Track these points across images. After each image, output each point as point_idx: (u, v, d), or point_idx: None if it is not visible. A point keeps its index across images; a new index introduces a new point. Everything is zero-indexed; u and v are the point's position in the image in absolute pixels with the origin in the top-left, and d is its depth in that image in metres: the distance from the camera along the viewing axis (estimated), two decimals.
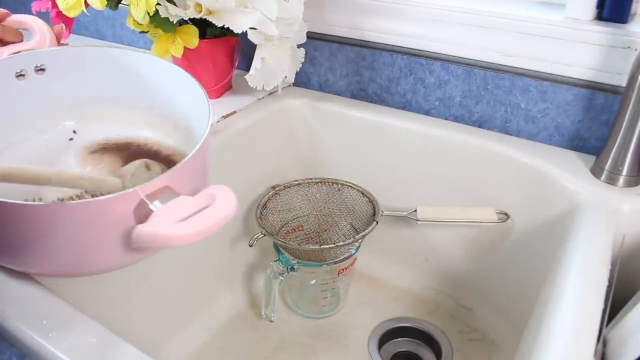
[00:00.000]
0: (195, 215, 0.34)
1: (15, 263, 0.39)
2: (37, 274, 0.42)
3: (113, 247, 0.37)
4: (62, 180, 0.38)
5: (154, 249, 0.34)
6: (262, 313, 0.65)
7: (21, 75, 0.43)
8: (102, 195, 0.37)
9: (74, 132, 0.48)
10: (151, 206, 0.35)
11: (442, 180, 0.67)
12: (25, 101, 0.45)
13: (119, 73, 0.47)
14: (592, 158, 0.58)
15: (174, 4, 0.59)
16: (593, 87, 0.59)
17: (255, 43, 0.64)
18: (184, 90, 0.46)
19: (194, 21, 0.64)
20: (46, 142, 0.47)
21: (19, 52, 0.44)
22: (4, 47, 0.45)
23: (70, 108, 0.48)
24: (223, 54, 0.70)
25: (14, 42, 0.46)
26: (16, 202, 0.32)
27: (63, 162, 0.47)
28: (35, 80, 0.44)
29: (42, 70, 0.45)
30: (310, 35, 0.72)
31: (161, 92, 0.48)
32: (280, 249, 0.63)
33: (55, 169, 0.37)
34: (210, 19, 0.60)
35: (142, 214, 0.35)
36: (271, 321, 0.64)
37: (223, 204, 0.35)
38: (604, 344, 0.40)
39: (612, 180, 0.55)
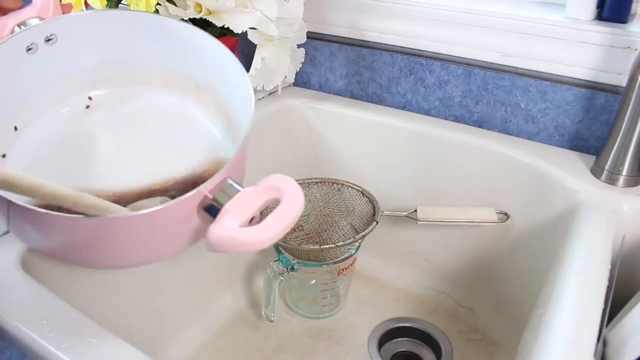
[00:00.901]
0: (271, 217, 0.33)
1: (82, 262, 0.39)
2: (102, 268, 0.42)
3: (179, 241, 0.37)
4: (79, 205, 0.36)
5: (231, 252, 0.34)
6: (262, 313, 0.65)
7: (31, 49, 0.41)
8: None
9: (90, 98, 0.47)
10: (217, 203, 0.34)
11: (442, 180, 0.67)
12: (38, 74, 0.43)
13: (129, 35, 0.46)
14: (592, 158, 0.58)
15: (174, 4, 0.59)
16: (593, 87, 0.59)
17: (255, 43, 0.64)
18: (208, 53, 0.44)
19: (194, 21, 0.63)
20: (63, 114, 0.45)
21: (24, 21, 0.42)
22: (6, 17, 0.42)
23: (82, 75, 0.46)
24: None
25: (13, 9, 0.43)
26: (97, 217, 0.32)
27: (89, 141, 0.45)
28: (45, 52, 0.42)
29: (52, 40, 0.42)
30: (310, 35, 0.72)
31: (179, 53, 0.46)
32: (280, 249, 0.63)
33: (78, 193, 0.36)
34: (210, 19, 0.60)
35: (210, 211, 0.35)
36: (271, 321, 0.64)
37: (294, 199, 0.34)
38: (604, 344, 0.40)
39: (612, 180, 0.55)
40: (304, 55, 0.71)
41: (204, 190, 0.34)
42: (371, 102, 0.74)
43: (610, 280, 0.42)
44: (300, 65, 0.72)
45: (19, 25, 0.42)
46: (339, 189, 0.68)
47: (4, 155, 0.41)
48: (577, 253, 0.45)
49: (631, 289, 0.48)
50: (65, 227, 0.34)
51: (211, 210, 0.35)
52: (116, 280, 0.53)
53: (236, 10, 0.59)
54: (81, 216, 0.33)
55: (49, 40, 0.42)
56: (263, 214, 0.55)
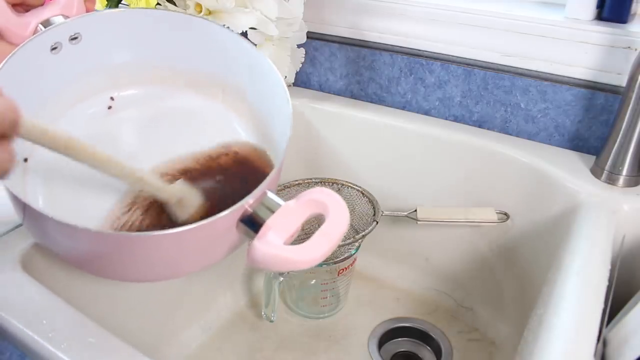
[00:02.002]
0: (317, 235, 0.32)
1: (101, 274, 0.39)
2: (122, 280, 0.41)
3: (212, 255, 0.37)
4: (123, 175, 0.36)
5: (273, 270, 0.33)
6: (262, 313, 0.65)
7: (55, 48, 0.40)
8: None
9: (112, 98, 0.46)
10: (258, 217, 0.34)
11: (442, 180, 0.67)
12: (60, 73, 0.42)
13: (154, 34, 0.44)
14: (592, 158, 0.58)
15: (174, 4, 0.59)
16: (593, 87, 0.59)
17: (255, 43, 0.64)
18: (236, 54, 0.44)
19: None
20: (85, 114, 0.44)
21: (48, 19, 0.41)
22: (29, 14, 0.41)
23: (105, 74, 0.45)
24: None
25: (36, 5, 0.41)
26: (140, 234, 0.32)
27: (112, 142, 0.44)
28: (69, 51, 0.41)
29: (77, 39, 0.41)
30: (310, 35, 0.72)
31: (207, 54, 0.45)
32: None
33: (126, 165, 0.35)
34: (210, 19, 0.60)
35: (249, 224, 0.34)
36: (271, 321, 0.64)
37: (340, 216, 0.33)
38: (604, 344, 0.40)
39: (612, 180, 0.55)
40: (304, 55, 0.71)
41: (245, 204, 0.34)
42: (371, 102, 0.74)
43: (610, 280, 0.42)
44: (300, 65, 0.72)
45: (42, 24, 0.40)
46: (339, 189, 0.68)
47: (25, 159, 0.40)
48: (577, 253, 0.45)
49: (631, 289, 0.48)
50: (89, 240, 0.33)
51: (251, 223, 0.34)
52: (116, 281, 0.53)
53: (236, 10, 0.59)
54: (108, 231, 0.32)
55: (73, 39, 0.41)
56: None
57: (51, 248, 0.37)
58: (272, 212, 0.34)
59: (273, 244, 0.33)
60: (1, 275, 0.42)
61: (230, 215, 0.33)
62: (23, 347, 0.38)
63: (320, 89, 0.78)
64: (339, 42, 0.73)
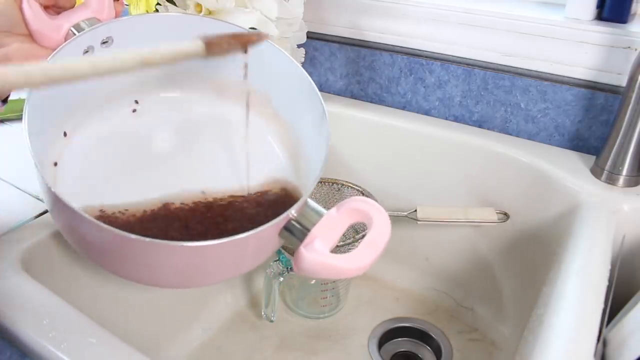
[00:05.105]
0: (363, 245, 0.33)
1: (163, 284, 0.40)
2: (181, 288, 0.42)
3: (249, 263, 0.37)
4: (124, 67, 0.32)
5: (320, 278, 0.34)
6: (262, 313, 0.65)
7: (87, 52, 0.40)
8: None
9: (136, 102, 0.46)
10: (301, 225, 0.35)
11: (442, 180, 0.67)
12: None
13: (179, 36, 0.45)
14: (592, 158, 0.58)
15: (174, 4, 0.59)
16: (593, 87, 0.59)
17: None
18: (271, 64, 0.44)
19: None
20: (110, 118, 0.44)
21: (79, 23, 0.41)
22: (60, 17, 0.41)
23: (130, 78, 0.45)
24: None
25: (67, 7, 0.41)
26: (184, 243, 0.32)
27: (137, 146, 0.44)
28: (100, 54, 0.41)
29: (107, 42, 0.41)
30: (310, 35, 0.72)
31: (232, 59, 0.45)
32: (281, 249, 0.63)
33: (109, 57, 0.31)
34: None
35: (292, 232, 0.35)
36: (271, 321, 0.64)
37: (383, 225, 0.34)
38: (604, 344, 0.40)
39: (612, 180, 0.55)
40: (304, 55, 0.71)
41: (289, 215, 0.35)
42: (371, 102, 0.74)
43: (610, 280, 0.42)
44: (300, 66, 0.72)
45: (74, 27, 0.40)
46: (339, 189, 0.68)
47: (55, 164, 0.40)
48: (577, 253, 0.45)
49: (631, 289, 0.48)
50: (118, 243, 0.34)
51: (294, 231, 0.35)
52: (116, 280, 0.53)
53: (236, 10, 0.59)
54: (155, 240, 0.32)
55: (104, 42, 0.41)
56: None
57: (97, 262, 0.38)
58: (315, 220, 0.35)
59: (321, 252, 0.33)
60: (1, 275, 0.42)
61: (274, 225, 0.34)
62: (23, 347, 0.38)
63: (320, 89, 0.77)
64: (338, 42, 0.73)
